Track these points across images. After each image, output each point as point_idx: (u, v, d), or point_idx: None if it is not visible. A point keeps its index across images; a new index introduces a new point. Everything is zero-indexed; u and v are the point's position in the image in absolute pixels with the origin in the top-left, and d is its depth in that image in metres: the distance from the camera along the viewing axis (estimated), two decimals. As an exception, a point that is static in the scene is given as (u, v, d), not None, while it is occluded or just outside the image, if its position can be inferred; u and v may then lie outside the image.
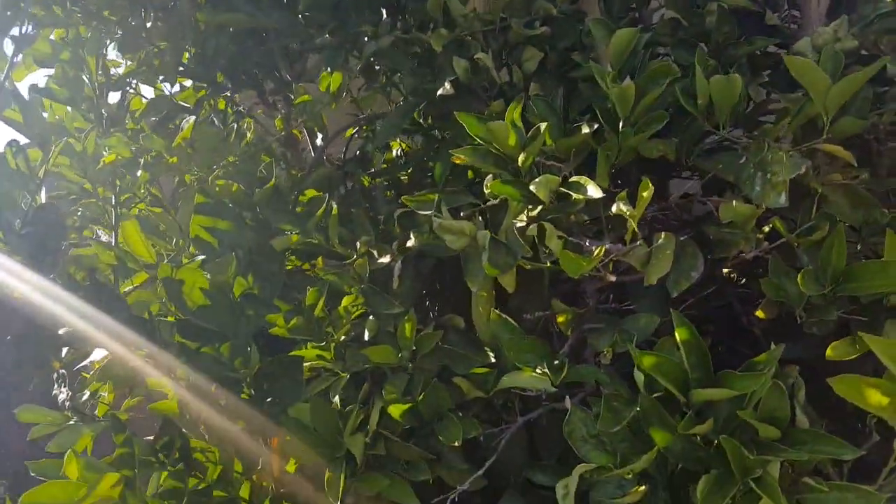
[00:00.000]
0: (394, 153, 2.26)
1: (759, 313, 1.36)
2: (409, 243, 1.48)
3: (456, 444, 1.36)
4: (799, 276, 1.23)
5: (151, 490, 1.28)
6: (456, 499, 1.37)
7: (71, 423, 1.57)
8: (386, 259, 1.60)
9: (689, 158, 1.47)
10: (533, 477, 1.49)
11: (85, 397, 1.60)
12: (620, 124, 1.35)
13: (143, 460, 1.23)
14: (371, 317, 1.62)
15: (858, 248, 1.38)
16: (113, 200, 1.60)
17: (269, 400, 1.52)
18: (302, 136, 2.23)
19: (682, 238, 1.37)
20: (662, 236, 1.34)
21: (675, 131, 1.48)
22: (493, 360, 1.50)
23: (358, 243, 1.66)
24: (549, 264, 1.33)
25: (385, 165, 2.22)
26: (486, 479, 1.46)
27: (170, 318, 1.45)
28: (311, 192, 1.82)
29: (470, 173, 1.80)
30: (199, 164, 1.44)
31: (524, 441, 1.52)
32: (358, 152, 2.19)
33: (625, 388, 1.31)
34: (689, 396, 1.16)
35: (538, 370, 1.38)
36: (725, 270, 1.67)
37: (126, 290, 1.45)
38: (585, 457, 1.23)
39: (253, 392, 1.51)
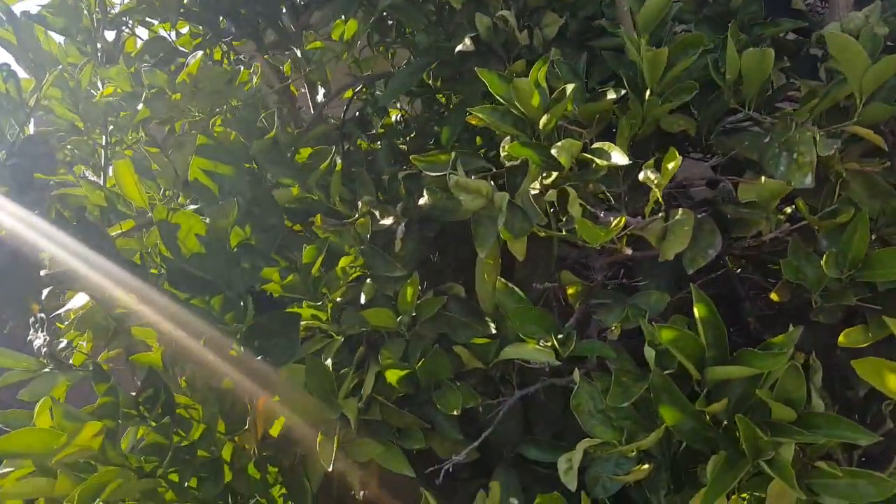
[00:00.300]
0: (392, 119, 2.20)
1: (774, 296, 1.33)
2: (422, 201, 1.42)
3: (455, 412, 1.31)
4: (823, 258, 1.20)
5: (127, 444, 1.21)
6: (451, 469, 1.32)
7: (46, 370, 1.50)
8: (388, 221, 1.54)
9: (710, 136, 1.43)
10: (527, 452, 1.46)
11: (62, 345, 1.52)
12: (647, 93, 1.31)
13: (125, 413, 1.16)
14: (368, 280, 1.56)
15: (873, 237, 1.36)
16: (104, 140, 1.51)
17: (259, 358, 1.45)
18: (300, 93, 2.16)
19: (699, 215, 1.34)
20: (680, 212, 1.31)
21: (698, 107, 1.45)
22: (493, 331, 1.46)
23: (359, 203, 1.60)
24: (564, 232, 1.29)
25: (382, 130, 2.16)
26: (478, 453, 1.42)
27: (155, 270, 1.38)
28: (306, 151, 1.76)
29: (478, 139, 1.75)
30: (202, 104, 1.36)
31: (519, 415, 1.48)
32: (357, 114, 2.13)
33: (632, 364, 1.28)
34: (704, 374, 1.13)
35: (542, 343, 1.34)
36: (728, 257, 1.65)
37: (115, 233, 1.37)
38: (591, 431, 1.19)
39: (243, 349, 1.44)
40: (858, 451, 1.23)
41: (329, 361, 1.46)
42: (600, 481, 1.24)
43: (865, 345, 1.26)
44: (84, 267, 1.30)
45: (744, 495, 1.12)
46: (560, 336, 1.33)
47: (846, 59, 1.20)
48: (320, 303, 1.49)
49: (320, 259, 1.49)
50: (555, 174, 1.28)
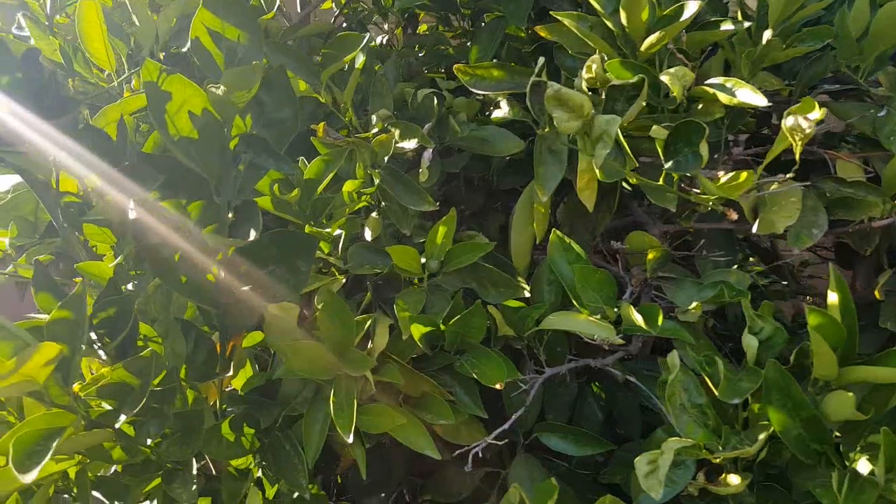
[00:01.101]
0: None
1: (877, 294, 1.16)
2: (498, 113, 1.14)
3: (498, 386, 1.05)
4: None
5: (76, 378, 0.87)
6: (479, 454, 1.06)
7: None
8: (410, 144, 1.25)
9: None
10: (546, 439, 1.22)
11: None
12: (768, 32, 1.09)
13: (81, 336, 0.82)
14: (374, 213, 1.27)
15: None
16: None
17: (246, 288, 1.13)
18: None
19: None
20: (783, 177, 1.10)
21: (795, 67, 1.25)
22: (527, 294, 1.21)
23: (374, 117, 1.30)
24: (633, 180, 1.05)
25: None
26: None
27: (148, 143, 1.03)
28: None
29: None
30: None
31: (538, 398, 1.25)
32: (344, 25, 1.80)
33: (718, 353, 1.06)
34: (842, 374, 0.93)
35: (596, 317, 1.10)
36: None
37: (73, 94, 1.01)
38: (682, 430, 0.96)
39: (223, 273, 1.12)
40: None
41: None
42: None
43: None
44: (25, 130, 0.94)
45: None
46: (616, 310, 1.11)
47: None
48: (325, 231, 1.19)
49: (330, 176, 1.18)
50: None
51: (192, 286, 1.02)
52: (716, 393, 0.94)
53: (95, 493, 0.99)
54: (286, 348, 1.04)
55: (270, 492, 1.13)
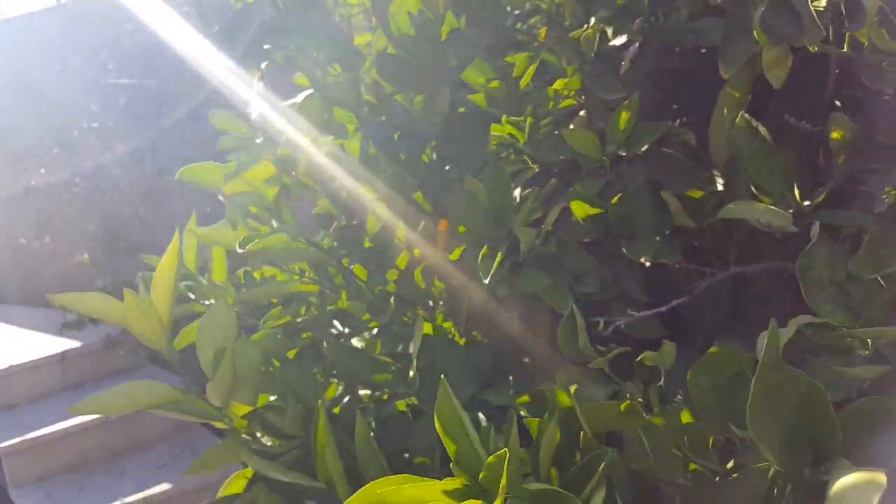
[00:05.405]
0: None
1: None
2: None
3: (643, 261, 1.05)
4: None
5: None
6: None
7: (258, 140, 1.44)
8: (621, 40, 1.27)
9: None
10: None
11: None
12: None
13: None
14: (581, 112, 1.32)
15: None
16: None
17: (447, 168, 1.30)
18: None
19: None
20: None
21: None
22: (720, 187, 1.15)
23: (592, 18, 1.34)
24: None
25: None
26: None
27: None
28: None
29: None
30: None
31: (727, 294, 1.17)
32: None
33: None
34: None
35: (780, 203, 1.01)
36: None
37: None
38: (815, 308, 0.86)
39: (435, 156, 1.29)
40: None
41: (518, 191, 1.26)
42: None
43: None
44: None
45: None
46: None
47: None
48: (522, 119, 1.28)
49: (532, 69, 1.27)
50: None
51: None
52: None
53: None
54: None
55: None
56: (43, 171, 4.20)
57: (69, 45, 4.22)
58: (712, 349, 0.84)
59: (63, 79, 4.16)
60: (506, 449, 0.61)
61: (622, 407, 0.80)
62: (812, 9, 0.95)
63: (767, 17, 0.94)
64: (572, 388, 0.77)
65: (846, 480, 0.54)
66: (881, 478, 0.52)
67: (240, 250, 1.10)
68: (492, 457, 0.62)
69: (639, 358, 0.86)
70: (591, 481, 0.67)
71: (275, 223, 1.16)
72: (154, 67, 4.00)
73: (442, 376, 0.73)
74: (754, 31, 0.95)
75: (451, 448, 0.71)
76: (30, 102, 4.27)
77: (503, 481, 0.61)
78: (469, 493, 0.68)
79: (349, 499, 0.73)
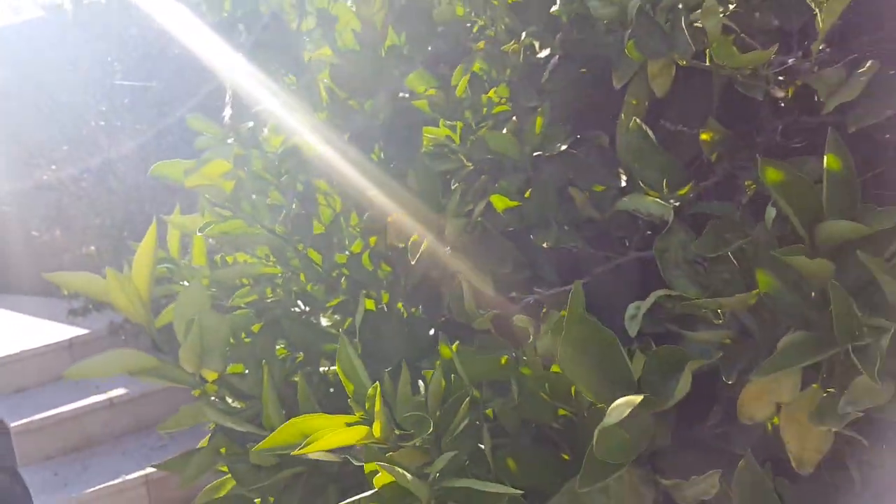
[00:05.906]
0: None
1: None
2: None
3: (545, 245, 1.22)
4: None
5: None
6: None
7: (229, 140, 1.62)
8: (545, 53, 1.44)
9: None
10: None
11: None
12: None
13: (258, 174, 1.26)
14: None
15: None
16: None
17: (392, 165, 1.48)
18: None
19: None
20: (868, 64, 1.05)
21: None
22: (623, 183, 1.32)
23: (524, 33, 1.52)
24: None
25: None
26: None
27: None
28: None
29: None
30: None
31: (635, 274, 1.34)
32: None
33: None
34: (815, 233, 0.92)
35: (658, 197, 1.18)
36: None
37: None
38: (671, 283, 1.04)
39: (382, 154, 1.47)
40: None
41: (456, 185, 1.44)
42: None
43: None
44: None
45: (830, 389, 0.91)
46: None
47: None
48: (457, 123, 1.46)
49: (466, 78, 1.44)
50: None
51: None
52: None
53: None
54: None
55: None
56: (53, 167, 4.43)
57: (79, 47, 4.43)
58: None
59: (72, 80, 4.38)
60: (377, 382, 0.79)
61: (502, 361, 0.97)
62: (684, 27, 1.12)
63: (640, 36, 1.11)
64: (454, 346, 0.95)
65: (618, 401, 0.71)
66: (635, 399, 0.70)
67: (198, 234, 1.29)
68: (371, 388, 0.81)
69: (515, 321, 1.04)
70: (458, 414, 0.85)
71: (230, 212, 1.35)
72: (158, 69, 4.21)
73: (343, 338, 0.91)
74: (625, 49, 1.12)
75: (349, 388, 0.89)
76: (41, 102, 4.49)
77: (378, 405, 0.79)
78: (361, 422, 0.86)
79: (279, 427, 0.92)
